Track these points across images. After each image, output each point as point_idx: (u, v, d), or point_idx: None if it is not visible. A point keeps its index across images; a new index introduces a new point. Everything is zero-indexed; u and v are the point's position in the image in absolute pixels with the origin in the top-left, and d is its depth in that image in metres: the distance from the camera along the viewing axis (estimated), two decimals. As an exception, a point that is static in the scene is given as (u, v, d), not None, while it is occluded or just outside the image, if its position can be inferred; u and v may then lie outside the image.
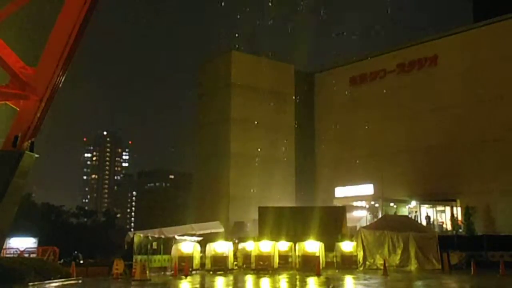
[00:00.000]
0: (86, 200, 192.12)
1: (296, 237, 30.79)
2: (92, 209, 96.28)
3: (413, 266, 28.72)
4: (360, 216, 45.94)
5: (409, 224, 32.31)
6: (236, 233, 44.87)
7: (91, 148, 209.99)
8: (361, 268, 29.08)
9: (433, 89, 49.33)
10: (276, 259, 29.48)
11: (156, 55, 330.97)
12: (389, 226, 30.50)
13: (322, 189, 55.05)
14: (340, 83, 57.41)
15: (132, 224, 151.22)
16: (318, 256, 27.84)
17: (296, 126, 57.95)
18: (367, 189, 47.96)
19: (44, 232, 39.02)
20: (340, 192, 50.35)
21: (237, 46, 57.65)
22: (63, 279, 23.05)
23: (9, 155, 17.16)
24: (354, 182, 49.16)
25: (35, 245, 33.45)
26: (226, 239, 33.17)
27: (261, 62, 56.75)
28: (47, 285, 21.10)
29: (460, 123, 46.35)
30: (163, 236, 34.40)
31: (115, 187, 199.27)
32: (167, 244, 31.19)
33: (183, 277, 25.44)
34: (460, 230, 42.48)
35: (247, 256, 30.03)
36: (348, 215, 38.81)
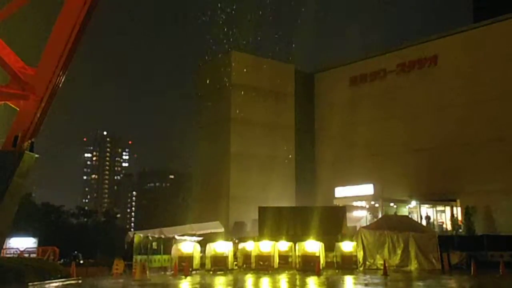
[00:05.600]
0: (86, 200, 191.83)
1: (296, 237, 30.80)
2: (92, 209, 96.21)
3: (413, 266, 28.74)
4: (360, 216, 45.91)
5: (409, 224, 32.30)
6: (236, 233, 44.86)
7: (91, 148, 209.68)
8: (361, 268, 29.08)
9: (433, 89, 49.32)
10: (276, 259, 29.49)
11: (156, 55, 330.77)
12: (389, 226, 30.50)
13: (322, 189, 54.97)
14: (340, 83, 57.42)
15: (132, 224, 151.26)
16: (318, 256, 27.84)
17: (296, 126, 57.95)
18: (367, 189, 47.88)
19: (44, 232, 39.04)
20: (340, 192, 50.30)
21: (236, 46, 57.68)
22: (63, 279, 23.06)
23: (9, 155, 17.15)
24: (354, 182, 49.10)
25: (35, 245, 33.47)
26: (226, 239, 33.17)
27: (261, 62, 56.78)
28: (47, 285, 21.10)
29: (460, 123, 46.32)
30: (163, 236, 34.42)
31: (115, 187, 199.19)
32: (167, 244, 31.22)
33: (183, 277, 25.45)
34: (460, 230, 42.47)
35: (247, 256, 30.05)
36: (348, 215, 38.80)
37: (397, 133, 51.47)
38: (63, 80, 17.97)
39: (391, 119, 52.21)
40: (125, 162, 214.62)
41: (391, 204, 46.09)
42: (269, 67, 56.79)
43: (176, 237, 34.67)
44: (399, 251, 29.30)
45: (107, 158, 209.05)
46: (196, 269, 29.47)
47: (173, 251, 29.93)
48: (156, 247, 30.27)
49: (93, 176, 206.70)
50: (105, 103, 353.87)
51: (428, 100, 49.56)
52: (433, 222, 45.35)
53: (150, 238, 30.88)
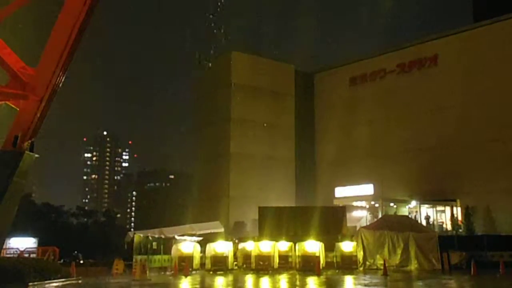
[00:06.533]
0: (86, 200, 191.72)
1: (296, 237, 30.81)
2: (92, 209, 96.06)
3: (413, 266, 28.76)
4: (360, 216, 45.92)
5: (409, 224, 32.31)
6: (236, 233, 44.88)
7: (91, 148, 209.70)
8: (361, 268, 29.08)
9: (433, 89, 49.32)
10: (276, 259, 29.49)
11: (155, 55, 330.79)
12: (389, 226, 30.51)
13: (322, 189, 55.01)
14: (340, 83, 57.44)
15: (132, 224, 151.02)
16: (318, 256, 27.83)
17: (296, 126, 57.94)
18: (367, 189, 47.92)
19: (44, 232, 38.97)
20: (340, 192, 50.31)
21: (236, 46, 57.68)
22: (63, 279, 23.03)
23: (9, 155, 17.16)
24: (354, 182, 49.12)
25: (35, 245, 33.42)
26: (226, 239, 33.18)
27: (261, 62, 56.82)
28: (47, 285, 21.08)
29: (460, 123, 46.30)
30: (163, 236, 34.43)
31: (115, 187, 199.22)
32: (167, 244, 31.23)
33: (183, 277, 25.45)
34: (460, 230, 42.47)
35: (247, 256, 30.04)
36: (348, 215, 38.81)
37: (397, 132, 51.47)
38: (63, 80, 17.99)
39: (391, 119, 52.22)
40: (125, 162, 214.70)
41: (391, 204, 46.09)
42: (269, 67, 56.83)
43: (176, 237, 34.70)
44: (399, 251, 29.31)
45: (107, 158, 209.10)
46: (196, 269, 29.49)
47: (173, 251, 29.94)
48: (156, 247, 30.27)
49: (93, 176, 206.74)
50: (105, 103, 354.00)
51: (428, 100, 49.55)
52: (433, 222, 45.35)
53: (150, 238, 30.88)
